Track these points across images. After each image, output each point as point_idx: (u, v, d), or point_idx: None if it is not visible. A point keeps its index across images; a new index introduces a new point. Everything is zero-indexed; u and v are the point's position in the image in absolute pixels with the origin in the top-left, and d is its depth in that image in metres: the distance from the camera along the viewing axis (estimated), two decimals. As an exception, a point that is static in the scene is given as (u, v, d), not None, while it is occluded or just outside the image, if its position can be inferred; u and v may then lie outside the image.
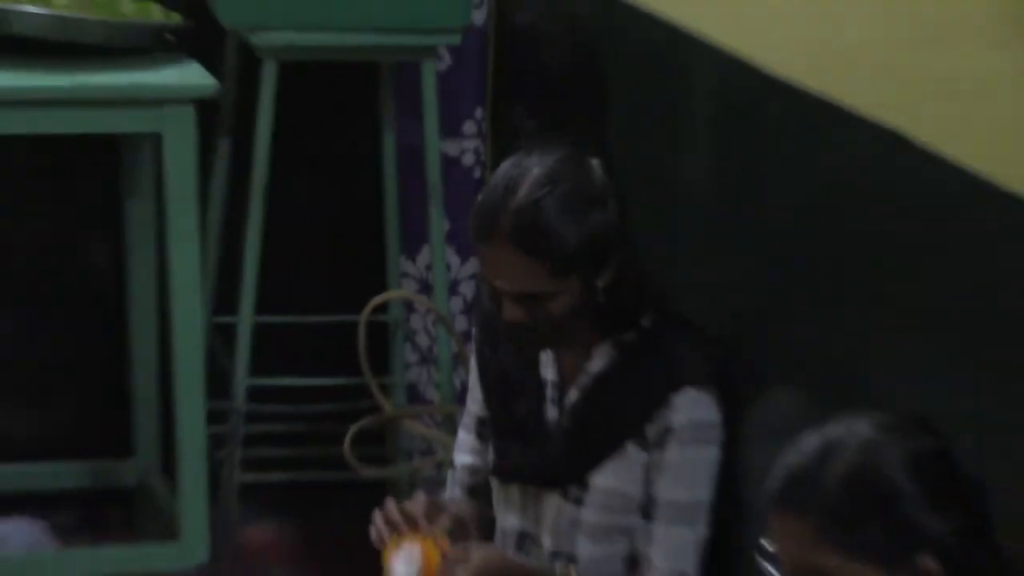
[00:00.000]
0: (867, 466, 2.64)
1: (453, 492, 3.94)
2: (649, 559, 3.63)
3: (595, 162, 3.63)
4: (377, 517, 3.61)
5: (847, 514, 2.62)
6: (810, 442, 2.69)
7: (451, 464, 3.98)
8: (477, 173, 4.77)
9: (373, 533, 3.57)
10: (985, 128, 3.02)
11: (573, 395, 3.67)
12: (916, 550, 2.60)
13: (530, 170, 3.56)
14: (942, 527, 2.61)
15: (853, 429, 2.69)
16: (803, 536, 2.65)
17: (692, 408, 3.58)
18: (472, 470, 3.90)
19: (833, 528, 2.63)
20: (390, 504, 3.58)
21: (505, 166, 3.66)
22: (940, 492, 2.64)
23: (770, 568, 2.73)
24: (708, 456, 3.61)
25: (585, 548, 3.66)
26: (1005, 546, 2.69)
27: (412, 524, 3.61)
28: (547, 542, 3.69)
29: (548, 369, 3.71)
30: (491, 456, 3.82)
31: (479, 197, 3.69)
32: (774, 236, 3.63)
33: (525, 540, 3.75)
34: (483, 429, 3.89)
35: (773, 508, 2.69)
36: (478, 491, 3.90)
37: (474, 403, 3.88)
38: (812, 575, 2.66)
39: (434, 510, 3.63)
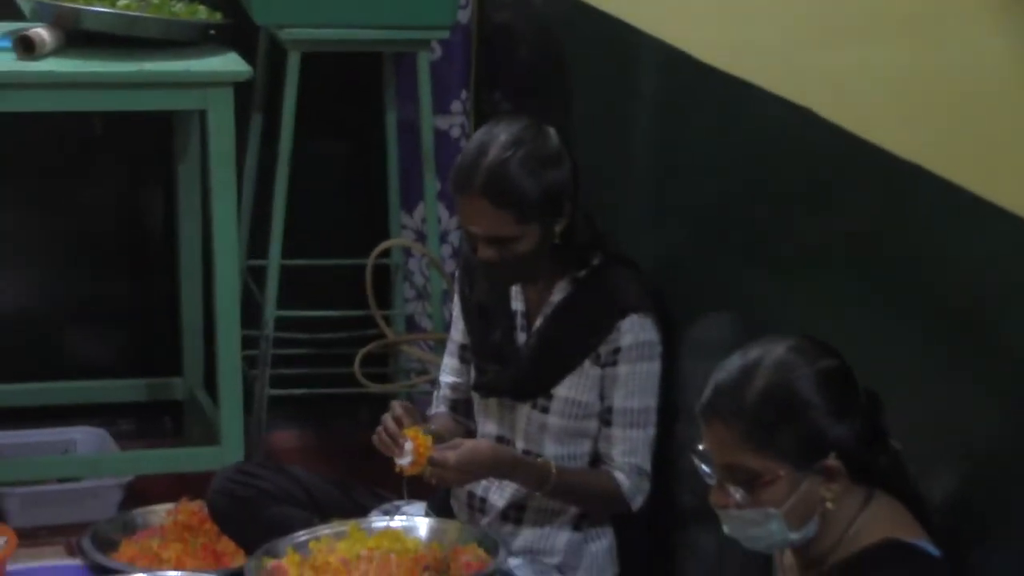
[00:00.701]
0: (782, 382, 2.72)
1: (437, 407, 4.02)
2: (611, 457, 3.70)
3: (551, 130, 3.70)
4: (378, 430, 3.64)
5: (765, 422, 2.69)
6: (734, 361, 2.77)
7: (437, 383, 4.05)
8: (462, 143, 4.67)
9: (375, 440, 3.63)
10: (873, 103, 3.02)
11: (538, 323, 3.77)
12: (823, 452, 2.69)
13: (498, 136, 3.66)
14: (844, 433, 2.70)
15: (770, 350, 2.76)
16: (729, 440, 2.72)
17: (636, 330, 3.68)
18: (454, 387, 3.98)
19: (753, 434, 2.70)
20: (387, 420, 3.62)
21: (478, 133, 3.77)
22: (842, 404, 2.72)
23: (703, 467, 2.78)
24: (652, 369, 3.71)
25: (551, 448, 3.72)
26: (896, 446, 2.78)
27: (400, 425, 3.66)
28: (520, 444, 3.77)
29: (517, 302, 3.82)
30: (472, 375, 3.90)
31: (457, 158, 3.80)
32: (704, 193, 3.71)
33: (502, 443, 3.80)
34: (464, 354, 3.95)
35: (703, 417, 2.77)
36: (458, 405, 3.99)
37: (457, 332, 3.96)
38: (736, 473, 2.72)
39: (411, 411, 3.69)
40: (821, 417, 2.71)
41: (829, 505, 2.72)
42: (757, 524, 2.75)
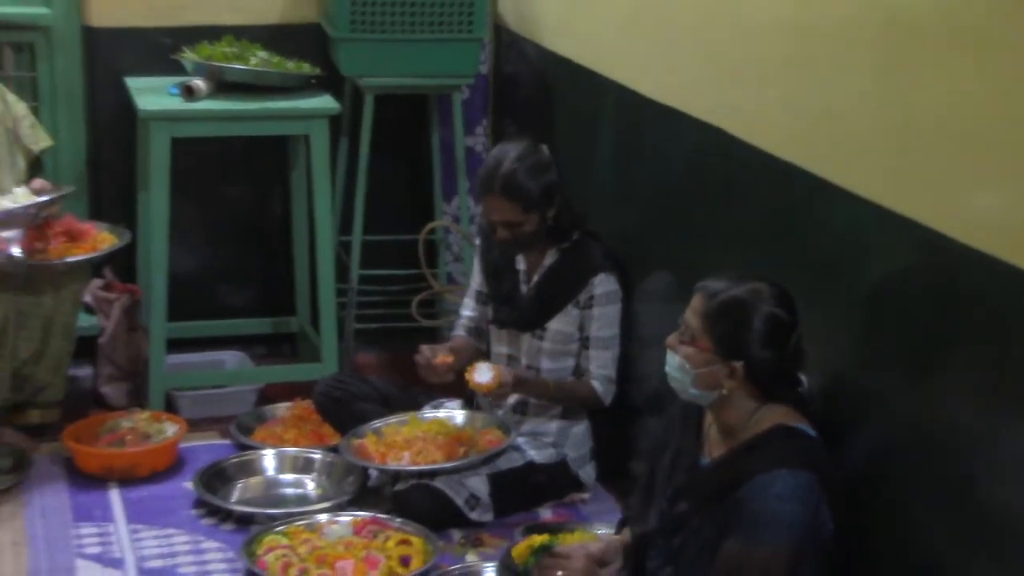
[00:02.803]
0: (746, 301, 2.69)
1: (457, 331, 3.99)
2: (589, 371, 3.74)
3: (544, 146, 3.73)
4: (420, 354, 3.70)
5: (718, 313, 2.68)
6: (732, 274, 2.75)
7: (463, 312, 4.02)
8: (483, 156, 4.62)
9: (418, 359, 3.69)
10: (771, 119, 3.03)
11: (535, 278, 3.79)
12: (737, 356, 2.68)
13: (508, 152, 3.68)
14: (759, 357, 2.67)
15: (759, 282, 2.72)
16: (699, 311, 2.70)
17: (604, 284, 3.71)
18: (470, 319, 3.97)
19: (709, 317, 2.70)
20: (424, 349, 3.67)
21: (494, 150, 3.80)
22: (771, 341, 2.68)
23: (679, 321, 2.77)
24: (615, 310, 3.73)
25: (546, 363, 3.78)
26: (804, 387, 2.76)
27: (438, 354, 3.70)
28: (524, 361, 3.81)
29: (521, 264, 3.82)
30: (490, 314, 3.90)
31: (481, 168, 3.84)
32: (649, 189, 3.71)
33: (511, 360, 3.83)
34: (480, 297, 3.94)
35: (697, 290, 2.76)
36: (471, 331, 3.97)
37: (476, 283, 3.96)
38: (689, 331, 2.72)
39: (436, 349, 3.72)
40: (751, 337, 2.67)
41: (724, 391, 2.70)
42: (677, 368, 2.74)
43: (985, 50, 2.31)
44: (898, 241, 2.56)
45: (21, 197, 3.91)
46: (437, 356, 3.72)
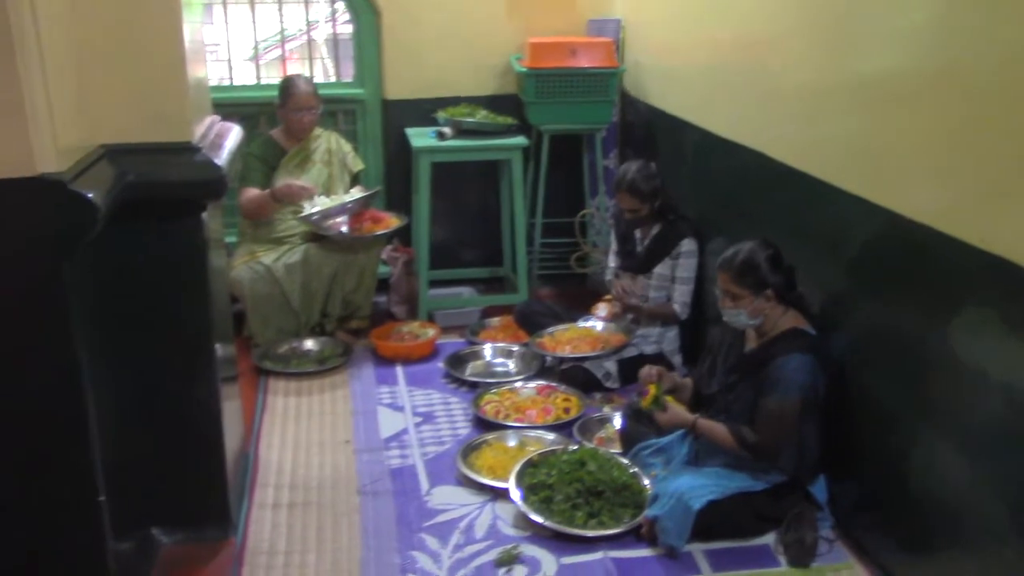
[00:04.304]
0: (750, 256, 2.64)
1: (608, 273, 3.88)
2: (674, 298, 3.64)
3: (652, 163, 3.67)
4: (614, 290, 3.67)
5: (741, 272, 2.64)
6: (734, 246, 2.70)
7: (608, 264, 3.91)
8: (615, 170, 4.37)
9: (615, 292, 3.68)
10: (789, 142, 2.91)
11: (646, 242, 3.69)
12: (765, 287, 2.63)
13: (631, 167, 3.63)
14: (775, 281, 2.63)
15: (748, 243, 2.68)
16: (728, 280, 2.66)
17: (688, 245, 3.60)
18: (613, 267, 3.83)
19: (736, 278, 2.65)
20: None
21: (622, 166, 3.70)
22: (775, 269, 2.65)
23: (718, 293, 2.71)
24: (694, 263, 3.62)
25: (652, 293, 3.67)
26: (801, 291, 2.69)
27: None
28: (639, 291, 3.69)
29: (638, 233, 3.73)
30: (618, 263, 3.80)
31: (615, 177, 3.76)
32: (716, 190, 3.56)
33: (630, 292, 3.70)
34: (615, 255, 3.84)
35: (718, 270, 2.71)
36: (613, 272, 3.82)
37: (614, 246, 3.86)
38: (730, 293, 2.65)
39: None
40: (765, 273, 2.63)
41: (767, 312, 2.66)
42: (735, 314, 2.68)
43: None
44: (867, 219, 2.48)
45: (348, 197, 3.99)
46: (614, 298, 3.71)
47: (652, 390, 2.81)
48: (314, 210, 3.81)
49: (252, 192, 3.91)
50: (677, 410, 2.79)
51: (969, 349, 2.10)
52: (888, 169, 2.38)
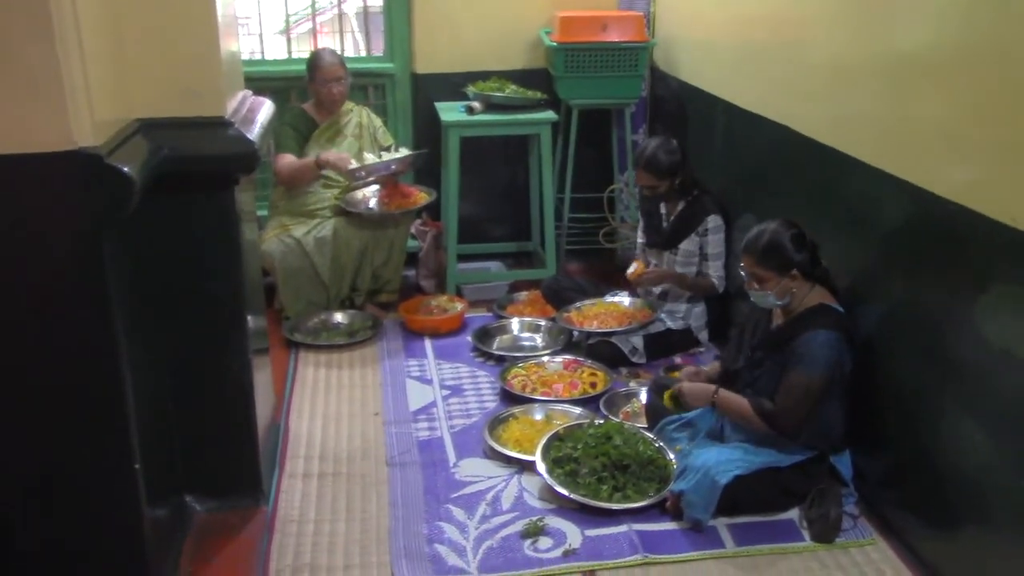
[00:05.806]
0: (773, 236, 2.62)
1: (638, 250, 3.83)
2: (707, 273, 3.61)
3: (674, 140, 3.62)
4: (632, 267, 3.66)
5: (766, 254, 2.61)
6: (756, 228, 2.67)
7: (637, 240, 3.87)
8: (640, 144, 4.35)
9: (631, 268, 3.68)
10: (816, 119, 2.89)
11: (671, 219, 3.67)
12: (790, 267, 2.62)
13: (651, 143, 3.60)
14: (800, 259, 2.61)
15: (771, 224, 2.65)
16: (753, 263, 2.64)
17: (714, 221, 3.59)
18: (640, 242, 3.81)
19: (761, 260, 2.63)
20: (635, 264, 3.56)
21: (644, 140, 3.81)
22: (799, 248, 2.62)
23: (743, 275, 2.69)
24: (721, 237, 3.60)
25: (679, 268, 3.65)
26: (825, 267, 2.67)
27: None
28: (664, 267, 3.67)
29: (663, 209, 3.70)
30: (645, 238, 3.77)
31: (636, 151, 3.80)
32: (742, 165, 3.56)
33: (657, 267, 3.69)
34: (641, 230, 3.80)
35: (743, 253, 2.69)
36: (641, 247, 3.80)
37: (641, 222, 3.83)
38: (756, 276, 2.64)
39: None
40: (790, 253, 2.61)
41: (794, 291, 2.64)
42: (762, 296, 2.67)
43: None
44: (896, 195, 2.47)
45: (396, 154, 3.98)
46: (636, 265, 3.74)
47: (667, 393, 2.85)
48: (363, 165, 3.83)
49: (290, 158, 3.91)
50: (699, 383, 2.81)
51: (996, 327, 2.09)
52: (917, 145, 2.36)
